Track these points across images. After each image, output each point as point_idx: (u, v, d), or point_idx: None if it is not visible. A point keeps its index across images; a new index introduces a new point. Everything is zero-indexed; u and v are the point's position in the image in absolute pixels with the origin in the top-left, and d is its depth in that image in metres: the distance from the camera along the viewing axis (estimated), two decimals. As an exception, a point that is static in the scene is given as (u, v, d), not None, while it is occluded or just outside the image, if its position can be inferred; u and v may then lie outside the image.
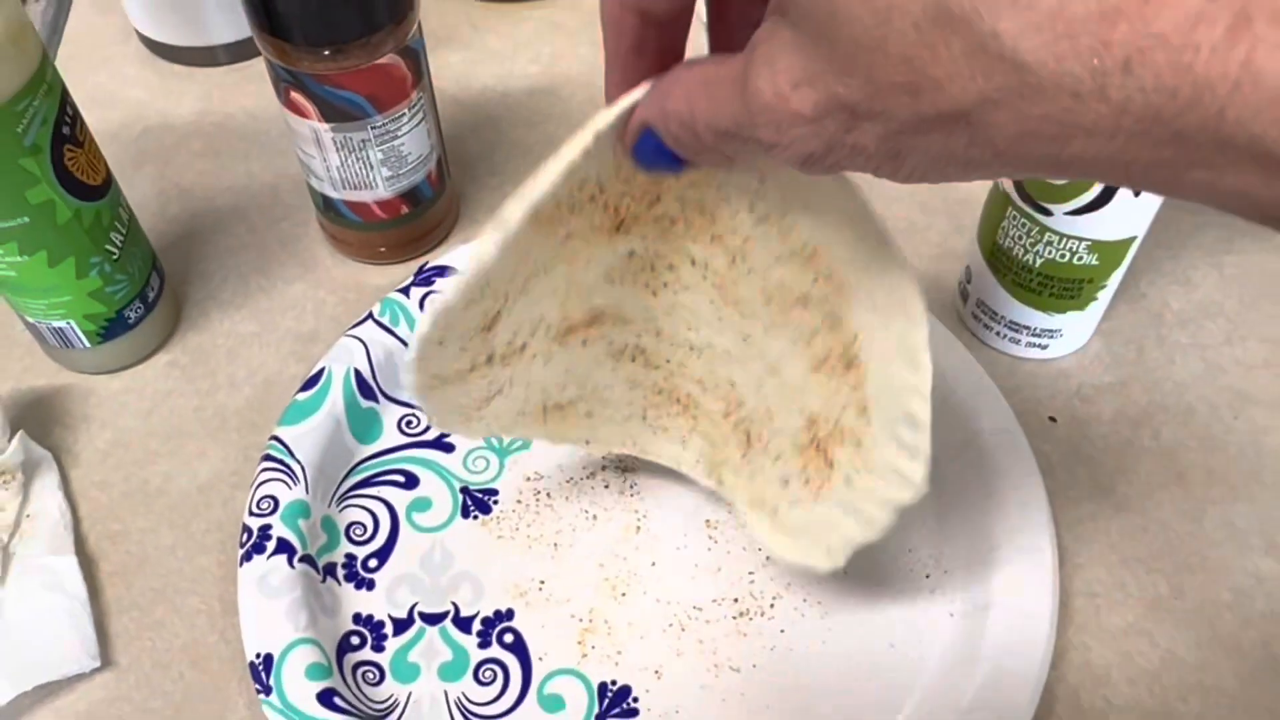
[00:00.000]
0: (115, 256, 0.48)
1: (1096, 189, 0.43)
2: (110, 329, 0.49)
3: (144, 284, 0.50)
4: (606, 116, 0.29)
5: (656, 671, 0.42)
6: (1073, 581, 0.45)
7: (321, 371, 0.48)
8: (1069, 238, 0.45)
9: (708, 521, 0.46)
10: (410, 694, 0.42)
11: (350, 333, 0.50)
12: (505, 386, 0.39)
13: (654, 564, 0.45)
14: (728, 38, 0.28)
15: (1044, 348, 0.51)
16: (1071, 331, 0.50)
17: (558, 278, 0.36)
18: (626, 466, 0.47)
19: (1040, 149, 0.19)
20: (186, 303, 0.55)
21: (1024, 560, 0.43)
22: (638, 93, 0.28)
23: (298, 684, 0.40)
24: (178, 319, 0.54)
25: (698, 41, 0.29)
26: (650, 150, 0.28)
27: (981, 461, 0.45)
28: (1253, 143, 0.16)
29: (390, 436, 0.49)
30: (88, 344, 0.49)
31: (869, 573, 0.44)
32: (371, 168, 0.50)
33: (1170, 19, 0.16)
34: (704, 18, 0.31)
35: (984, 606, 0.42)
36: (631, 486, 0.47)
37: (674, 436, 0.44)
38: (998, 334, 0.51)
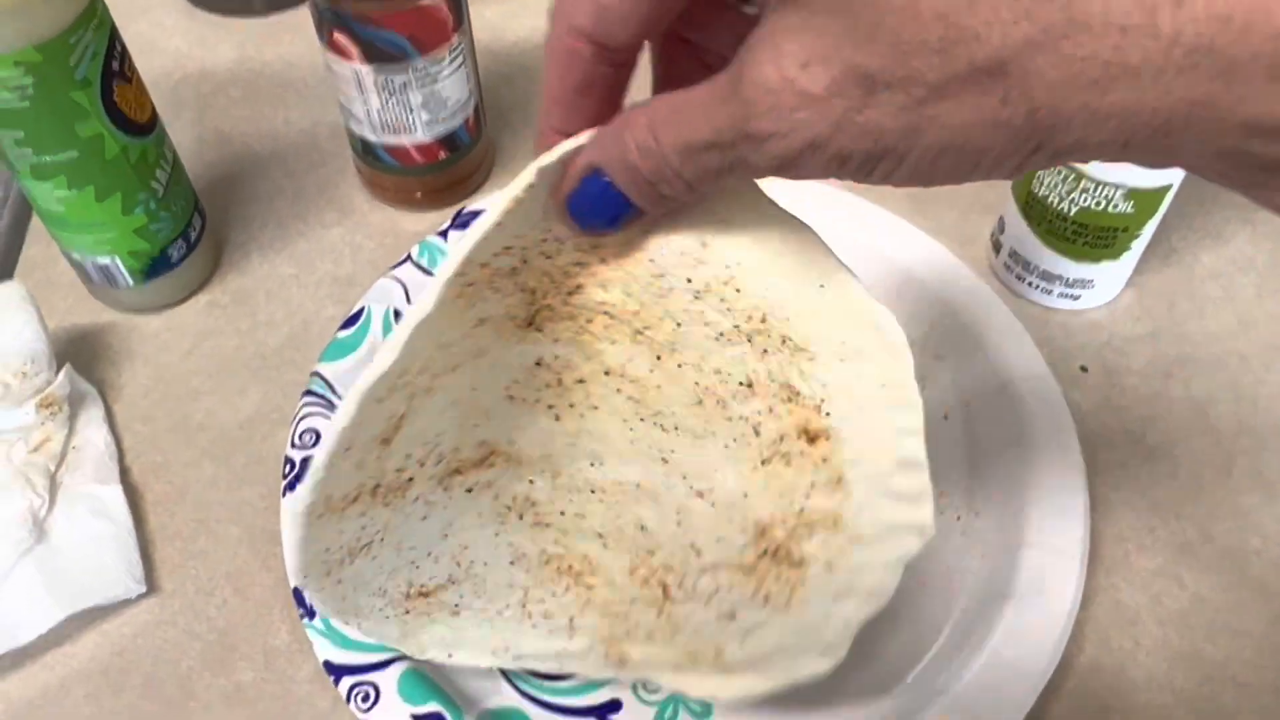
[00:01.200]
0: (160, 194, 0.48)
1: (1135, 134, 0.43)
2: (154, 267, 0.50)
3: (186, 223, 0.51)
4: (542, 161, 0.27)
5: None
6: (1103, 526, 0.45)
7: (362, 311, 0.49)
8: (1106, 185, 0.45)
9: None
10: None
11: (389, 274, 0.50)
12: (376, 540, 0.34)
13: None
14: (678, 82, 0.24)
15: (1076, 298, 0.51)
16: (1104, 282, 0.50)
17: (462, 383, 0.33)
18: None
19: (1080, 98, 0.18)
20: (227, 245, 0.55)
21: (1055, 501, 0.43)
22: (582, 138, 0.26)
23: None
24: (218, 261, 0.54)
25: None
26: (591, 198, 0.26)
27: (1014, 407, 0.46)
28: None
29: None
30: (131, 282, 0.50)
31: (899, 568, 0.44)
32: (411, 111, 0.51)
33: None
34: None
35: (1015, 547, 0.42)
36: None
37: (559, 625, 0.36)
38: (1030, 284, 0.51)
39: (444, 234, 0.52)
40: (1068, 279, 0.50)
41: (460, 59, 0.51)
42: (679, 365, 0.32)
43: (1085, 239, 0.48)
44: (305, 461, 0.44)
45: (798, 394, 0.31)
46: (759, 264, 0.30)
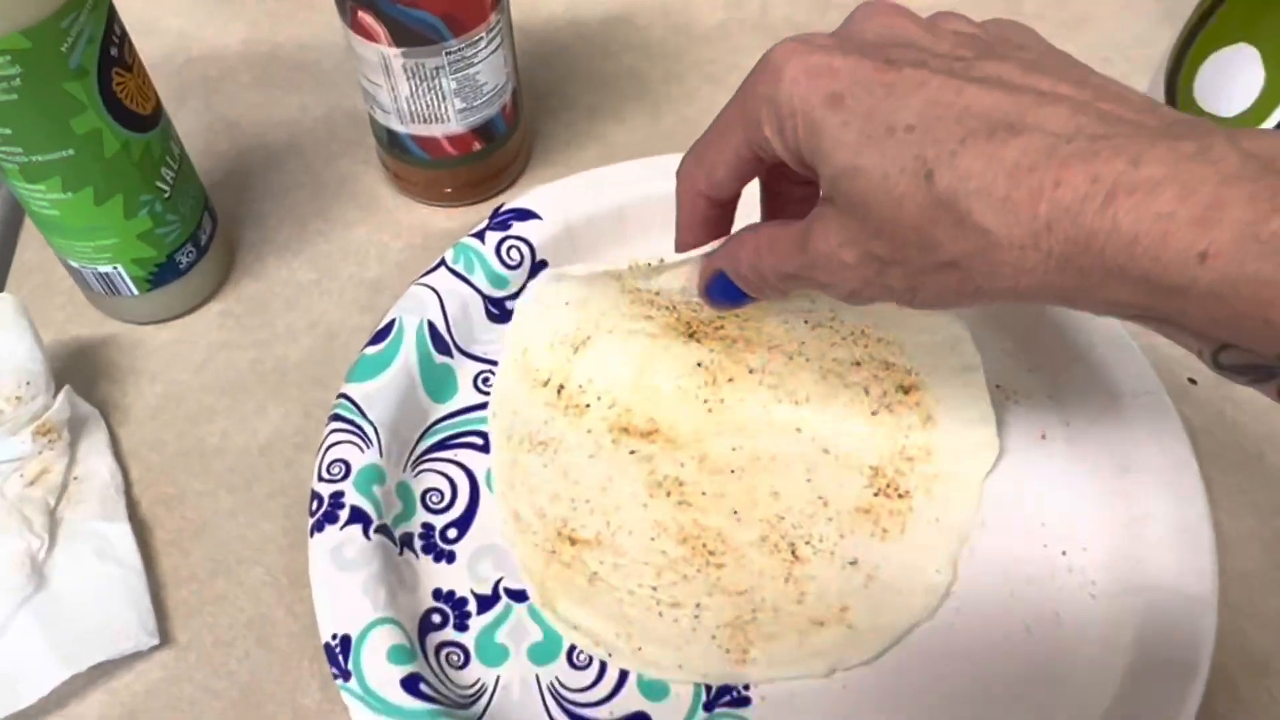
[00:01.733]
0: (167, 194, 0.43)
1: (1270, 121, 0.38)
2: (160, 275, 0.45)
3: (196, 226, 0.46)
4: (683, 258, 0.38)
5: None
6: (1223, 561, 0.40)
7: (392, 323, 0.44)
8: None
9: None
10: (499, 678, 0.38)
11: (421, 281, 0.45)
12: (552, 445, 0.43)
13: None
14: (779, 209, 0.37)
15: (1182, 302, 0.46)
16: (1214, 284, 0.45)
17: (637, 347, 0.44)
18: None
19: (1002, 283, 0.27)
20: (240, 247, 0.50)
21: (1174, 536, 0.38)
22: (708, 247, 0.37)
23: (380, 668, 0.36)
24: (231, 264, 0.49)
25: None
26: (720, 289, 0.37)
27: (1122, 426, 0.41)
28: (1121, 269, 0.24)
29: (466, 395, 0.45)
30: (136, 291, 0.45)
31: (998, 550, 0.40)
32: (444, 98, 0.45)
33: (1071, 197, 0.25)
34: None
35: (1135, 588, 0.38)
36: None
37: (684, 615, 0.39)
38: (1130, 286, 0.46)
39: (480, 235, 0.47)
40: (1174, 281, 0.45)
41: (498, 39, 0.45)
42: (807, 360, 0.43)
43: (1200, 238, 0.43)
44: (335, 497, 0.40)
45: (892, 365, 0.43)
46: (850, 307, 0.41)
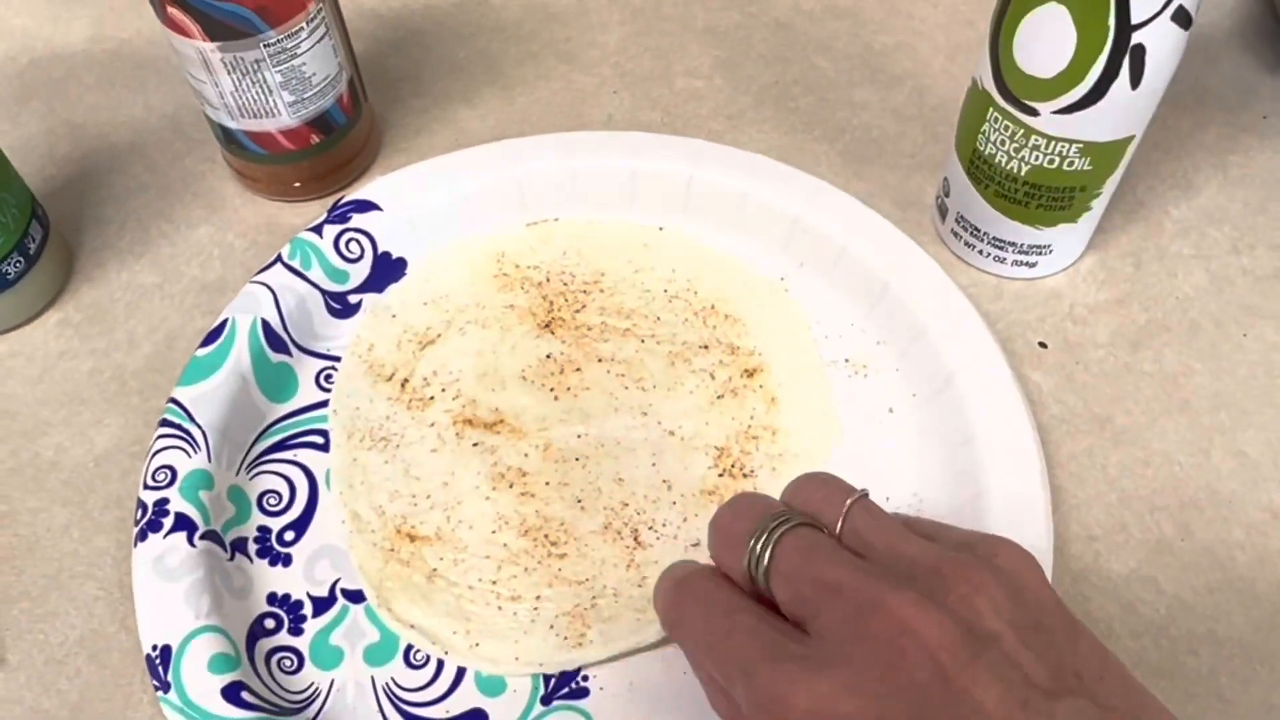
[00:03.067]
0: (-19, 204, 0.42)
1: (1088, 82, 0.37)
2: (-14, 286, 0.44)
3: (22, 235, 0.44)
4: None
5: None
6: (1068, 525, 0.40)
7: (224, 324, 0.43)
8: (1058, 140, 0.40)
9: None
10: (333, 681, 0.37)
11: (256, 279, 0.44)
12: (394, 441, 0.42)
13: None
14: None
15: (1032, 265, 0.46)
16: (1062, 247, 0.45)
17: (487, 343, 0.44)
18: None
19: None
20: (79, 252, 0.49)
21: (1010, 508, 0.38)
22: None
23: (200, 678, 0.35)
24: (69, 271, 0.48)
25: None
26: None
27: (962, 401, 0.41)
28: None
29: (307, 393, 0.44)
30: (-38, 304, 0.44)
31: (826, 464, 0.41)
32: (270, 92, 0.44)
33: None
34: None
35: (970, 560, 0.37)
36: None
37: (523, 609, 0.38)
38: (980, 252, 0.46)
39: (318, 229, 0.46)
40: (1022, 245, 0.45)
41: (322, 28, 0.44)
42: (657, 343, 0.44)
43: (1039, 201, 0.42)
44: (160, 504, 0.39)
45: (738, 349, 0.44)
46: (710, 277, 0.46)
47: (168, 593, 0.37)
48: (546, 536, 0.40)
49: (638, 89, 0.54)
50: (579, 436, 0.42)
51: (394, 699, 0.37)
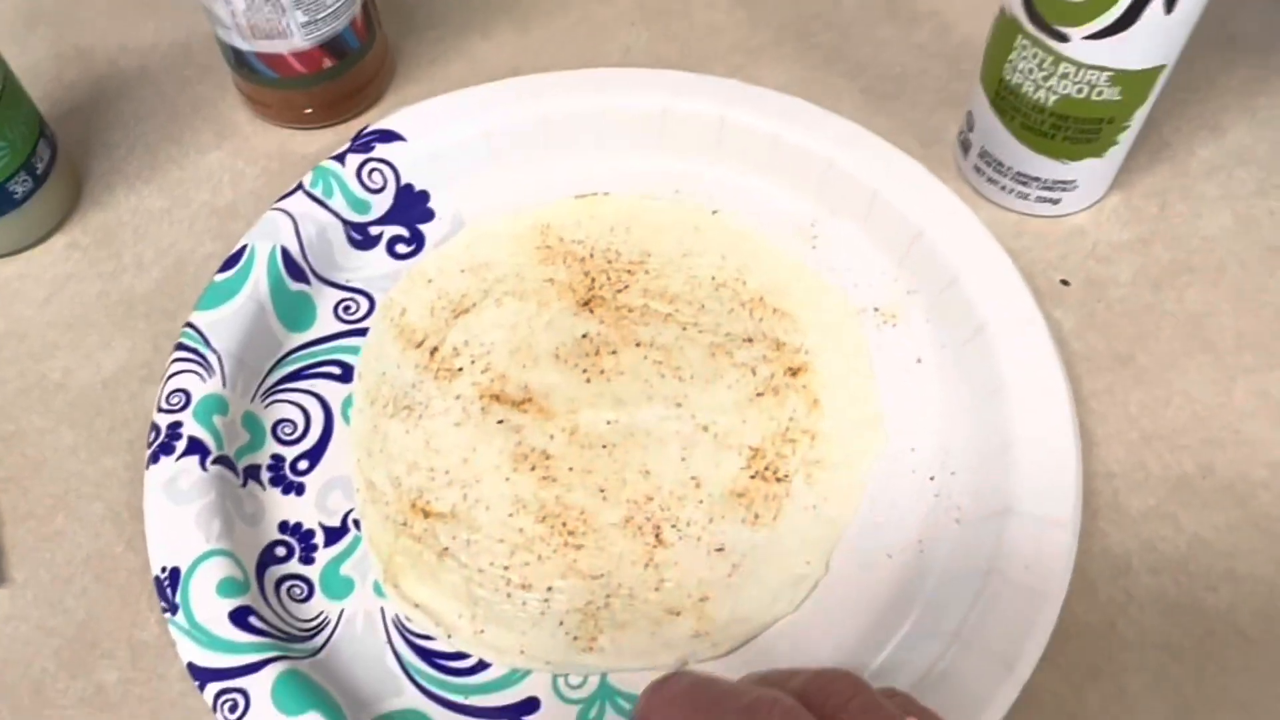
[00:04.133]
0: (-11, 119, 0.41)
1: (1122, 5, 0.36)
2: (-7, 205, 0.43)
3: (29, 153, 0.44)
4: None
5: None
6: (1088, 461, 0.40)
7: (243, 249, 0.42)
8: (1088, 68, 0.39)
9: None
10: (342, 611, 0.37)
11: (277, 206, 0.44)
12: (416, 410, 0.41)
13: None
14: None
15: (1056, 202, 0.45)
16: (1087, 183, 0.44)
17: (524, 315, 0.43)
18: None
19: None
20: (88, 177, 0.48)
21: (1040, 460, 0.37)
22: None
23: (208, 601, 0.35)
24: (78, 195, 0.47)
25: None
26: None
27: (992, 351, 0.40)
28: None
29: (325, 323, 0.43)
30: (-32, 223, 0.43)
31: (867, 475, 0.39)
32: (283, 11, 0.43)
33: None
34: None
35: (997, 513, 0.37)
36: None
37: (533, 599, 0.37)
38: (1003, 188, 0.45)
39: (340, 158, 0.45)
40: (1046, 180, 0.44)
41: (337, -53, 0.43)
42: (700, 331, 0.42)
43: (1066, 133, 0.41)
44: (173, 427, 0.38)
45: (784, 345, 0.42)
46: (761, 267, 0.44)
47: (178, 515, 0.37)
48: (564, 525, 0.38)
49: (656, 22, 0.53)
50: (608, 423, 0.40)
51: (404, 631, 0.37)
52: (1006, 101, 0.42)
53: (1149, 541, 0.38)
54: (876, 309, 0.43)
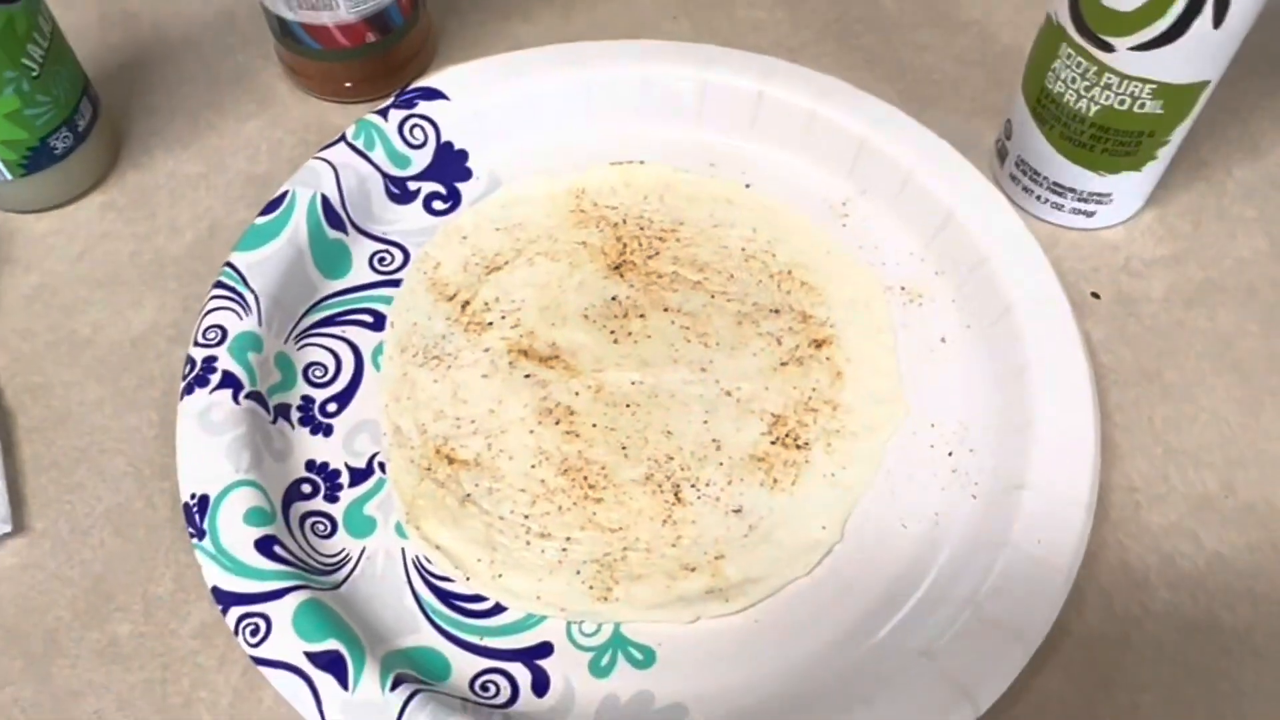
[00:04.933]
0: (35, 74, 0.42)
1: (1170, 17, 0.36)
2: (33, 159, 0.44)
3: (73, 111, 0.44)
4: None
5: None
6: (1110, 474, 0.40)
7: (285, 195, 0.43)
8: (1132, 80, 0.39)
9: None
10: (364, 549, 0.37)
11: (319, 155, 0.44)
12: (445, 362, 0.41)
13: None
14: None
15: (1090, 215, 0.45)
16: (1123, 197, 0.44)
17: (555, 276, 0.43)
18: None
19: None
20: (127, 139, 0.49)
21: (1059, 442, 0.37)
22: None
23: (235, 528, 0.35)
24: (116, 156, 0.48)
25: None
26: None
27: (1018, 332, 0.40)
28: None
29: (360, 272, 0.44)
30: (9, 175, 0.44)
31: (885, 446, 0.40)
32: (331, -17, 0.44)
33: None
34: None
35: (1012, 488, 0.37)
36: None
37: (551, 548, 0.37)
38: (1038, 198, 0.45)
39: (384, 113, 0.45)
40: (1082, 192, 0.44)
41: (388, -78, 0.44)
42: (728, 300, 0.43)
43: (1105, 145, 0.41)
44: (208, 361, 0.39)
45: (810, 317, 0.43)
46: (791, 241, 0.45)
47: (210, 445, 0.37)
48: (585, 479, 0.39)
49: (698, 15, 0.53)
50: (633, 383, 0.41)
51: (423, 572, 0.37)
52: (1047, 110, 0.42)
53: (1168, 556, 0.38)
54: (903, 288, 0.43)
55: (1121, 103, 0.40)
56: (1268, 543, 0.38)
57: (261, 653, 0.33)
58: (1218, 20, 0.36)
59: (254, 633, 0.33)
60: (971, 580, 0.35)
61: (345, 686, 0.33)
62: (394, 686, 0.33)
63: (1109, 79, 0.39)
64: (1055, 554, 0.35)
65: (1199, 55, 0.38)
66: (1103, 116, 0.40)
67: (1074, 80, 0.40)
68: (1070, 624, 0.36)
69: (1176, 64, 0.38)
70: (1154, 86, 0.39)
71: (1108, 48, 0.38)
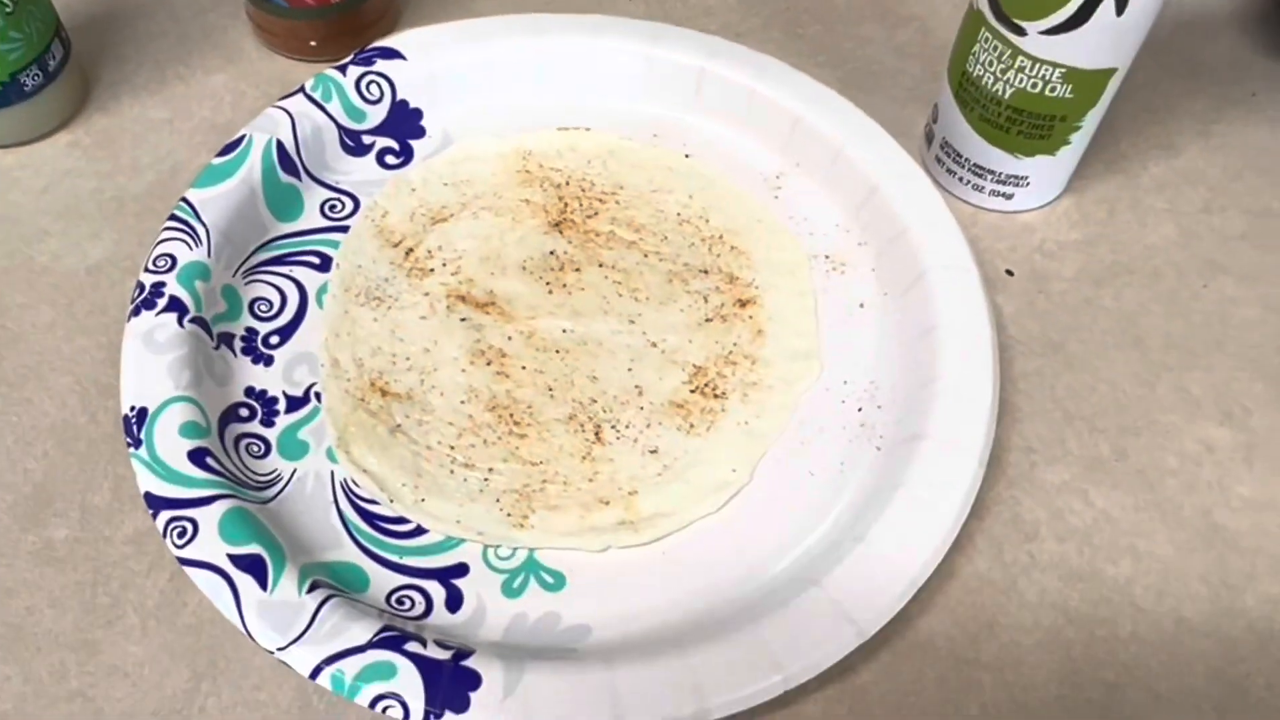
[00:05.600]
0: (9, 10, 0.44)
1: (1073, 4, 0.39)
2: (2, 94, 0.46)
3: (43, 50, 0.46)
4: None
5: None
6: (1010, 435, 0.42)
7: (243, 138, 0.45)
8: (1042, 63, 0.41)
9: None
10: (295, 470, 0.39)
11: (278, 104, 0.46)
12: (385, 303, 0.43)
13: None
14: None
15: (1009, 197, 0.47)
16: (1040, 180, 0.46)
17: (497, 229, 0.46)
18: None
19: None
20: (96, 85, 0.51)
21: (959, 398, 0.39)
22: None
23: (171, 440, 0.37)
24: (84, 99, 0.50)
25: None
26: None
27: (929, 298, 0.42)
28: None
29: (311, 218, 0.46)
30: (-22, 109, 0.46)
31: (798, 399, 0.42)
32: (298, -59, 0.46)
33: None
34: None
35: (911, 438, 0.39)
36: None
37: (474, 478, 0.39)
38: (961, 179, 0.47)
39: (342, 69, 0.47)
40: (1000, 174, 0.46)
41: (354, -114, 0.46)
42: (660, 259, 0.45)
43: (1020, 127, 0.44)
44: (157, 286, 0.41)
45: (737, 279, 0.45)
46: (724, 209, 0.47)
47: (152, 363, 0.39)
48: (511, 416, 0.41)
49: (653, -1, 0.56)
50: (564, 331, 0.43)
51: (350, 494, 0.39)
52: (968, 92, 0.45)
53: (1059, 512, 0.40)
54: (828, 257, 0.45)
55: (1034, 86, 0.42)
56: (1153, 504, 0.40)
57: (187, 553, 0.35)
58: (1120, 8, 0.39)
59: (181, 535, 0.35)
60: (865, 520, 0.37)
61: (264, 587, 0.34)
62: (310, 590, 0.35)
63: (1022, 62, 0.42)
64: (945, 499, 0.37)
65: (1104, 42, 0.40)
66: (1017, 99, 0.43)
67: (991, 64, 0.43)
68: (960, 569, 0.39)
69: (1083, 50, 0.40)
70: (1063, 70, 0.41)
71: (1020, 31, 0.41)
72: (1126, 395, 0.43)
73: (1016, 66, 0.42)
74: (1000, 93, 0.43)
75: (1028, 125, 0.44)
